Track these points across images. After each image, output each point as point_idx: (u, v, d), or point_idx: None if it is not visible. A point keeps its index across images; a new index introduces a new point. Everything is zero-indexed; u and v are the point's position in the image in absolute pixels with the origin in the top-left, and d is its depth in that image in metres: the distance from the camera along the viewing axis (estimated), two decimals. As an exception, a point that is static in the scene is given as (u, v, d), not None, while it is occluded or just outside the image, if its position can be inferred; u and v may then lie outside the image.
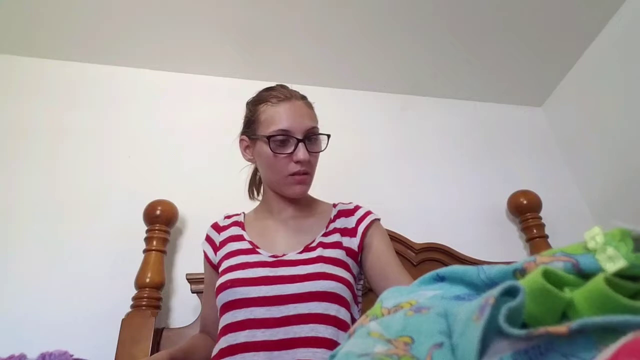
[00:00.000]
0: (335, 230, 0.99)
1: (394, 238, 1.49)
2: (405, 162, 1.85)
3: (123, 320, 1.22)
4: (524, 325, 0.30)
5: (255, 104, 1.02)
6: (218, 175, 1.61)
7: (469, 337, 0.30)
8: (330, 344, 0.82)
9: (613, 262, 0.30)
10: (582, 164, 1.90)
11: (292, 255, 0.94)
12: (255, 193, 1.15)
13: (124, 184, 1.56)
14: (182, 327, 1.30)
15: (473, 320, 0.30)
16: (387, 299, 0.42)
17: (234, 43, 1.74)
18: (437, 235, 1.56)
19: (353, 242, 0.98)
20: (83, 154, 1.59)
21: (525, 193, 1.69)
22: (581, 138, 1.90)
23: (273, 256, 0.95)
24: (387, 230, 1.44)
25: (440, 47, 1.82)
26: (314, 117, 1.01)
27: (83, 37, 1.67)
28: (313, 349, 0.81)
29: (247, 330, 0.84)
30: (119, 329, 1.20)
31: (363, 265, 0.99)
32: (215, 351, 0.88)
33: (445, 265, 1.48)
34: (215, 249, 1.04)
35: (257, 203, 1.14)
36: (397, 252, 1.47)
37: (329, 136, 1.01)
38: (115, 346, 1.17)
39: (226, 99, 1.74)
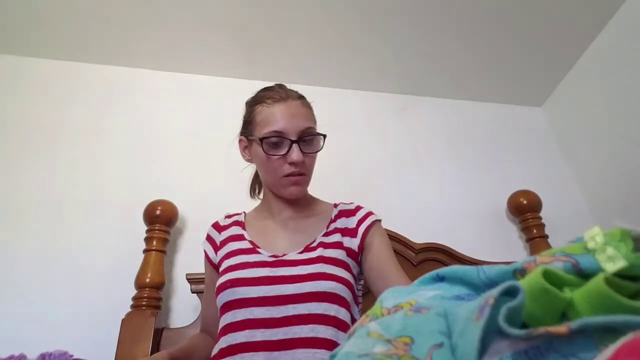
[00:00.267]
0: (336, 231, 0.99)
1: (394, 238, 1.49)
2: (405, 162, 1.85)
3: (123, 320, 1.22)
4: (523, 325, 0.30)
5: (252, 105, 1.02)
6: (218, 175, 1.61)
7: (468, 337, 0.30)
8: (330, 345, 0.82)
9: (613, 262, 0.30)
10: (582, 164, 1.90)
11: (292, 255, 0.94)
12: (257, 192, 1.15)
13: (124, 184, 1.56)
14: (182, 327, 1.30)
15: (473, 320, 0.30)
16: (387, 299, 0.42)
17: (234, 43, 1.74)
18: (437, 235, 1.56)
19: (353, 243, 0.98)
20: (83, 154, 1.59)
21: (525, 193, 1.69)
22: (581, 138, 1.90)
23: (273, 256, 0.95)
24: (387, 230, 1.44)
25: (440, 47, 1.82)
26: (310, 118, 1.00)
27: (83, 37, 1.67)
28: (313, 350, 0.81)
29: (246, 330, 0.84)
30: (119, 329, 1.20)
31: (362, 265, 0.99)
32: (215, 351, 0.88)
33: (445, 265, 1.48)
34: (216, 248, 1.04)
35: (258, 202, 1.14)
36: (397, 252, 1.48)
37: (324, 136, 1.00)
38: (115, 346, 1.17)
39: (226, 99, 1.74)
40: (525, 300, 0.29)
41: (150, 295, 1.27)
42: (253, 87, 1.07)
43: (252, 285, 0.89)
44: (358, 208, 1.05)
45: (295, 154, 0.94)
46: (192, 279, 1.33)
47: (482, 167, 1.90)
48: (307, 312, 0.85)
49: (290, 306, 0.85)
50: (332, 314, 0.86)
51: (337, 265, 0.91)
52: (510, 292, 0.30)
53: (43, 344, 0.95)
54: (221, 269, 0.97)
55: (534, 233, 1.62)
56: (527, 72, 1.96)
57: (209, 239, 1.07)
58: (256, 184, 1.16)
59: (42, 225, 1.44)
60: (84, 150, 1.60)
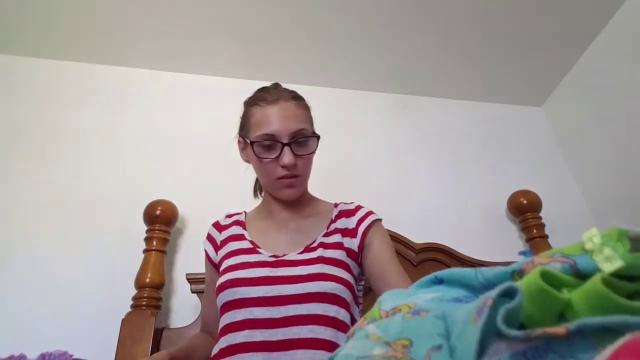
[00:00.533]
0: (336, 231, 0.99)
1: (394, 238, 1.49)
2: (405, 162, 1.85)
3: (123, 320, 1.22)
4: (521, 327, 0.30)
5: (247, 106, 1.02)
6: (218, 175, 1.61)
7: (467, 338, 0.30)
8: (329, 346, 0.82)
9: (610, 262, 0.30)
10: (582, 164, 1.90)
11: (292, 256, 0.94)
12: (260, 191, 1.15)
13: (124, 184, 1.56)
14: (182, 327, 1.30)
15: (471, 321, 0.30)
16: (386, 301, 0.42)
17: (234, 43, 1.74)
18: (437, 235, 1.56)
19: (353, 243, 0.98)
20: (83, 154, 1.59)
21: (525, 193, 1.69)
22: (581, 138, 1.90)
23: (273, 256, 0.95)
24: (387, 230, 1.44)
25: (440, 47, 1.82)
26: (303, 119, 0.98)
27: (82, 37, 1.67)
28: (312, 351, 0.81)
29: (246, 331, 0.84)
30: (119, 329, 1.20)
31: (363, 265, 0.98)
32: (215, 351, 0.88)
33: (446, 265, 1.48)
34: (216, 247, 1.04)
35: (258, 202, 1.14)
36: (397, 252, 1.47)
37: (318, 138, 0.99)
38: (115, 346, 1.17)
39: (226, 99, 1.74)
40: (523, 301, 0.29)
41: (150, 295, 1.27)
42: (253, 87, 1.07)
43: (252, 285, 0.89)
44: (358, 208, 1.05)
45: (287, 157, 0.94)
46: (192, 279, 1.33)
47: (482, 167, 1.90)
48: (306, 312, 0.85)
49: (290, 307, 0.85)
50: (331, 314, 0.86)
51: (337, 266, 0.91)
52: (509, 294, 0.30)
53: (43, 344, 0.95)
54: (221, 268, 0.97)
55: (534, 233, 1.62)
56: (527, 72, 1.96)
57: (210, 238, 1.07)
58: (259, 184, 1.16)
59: (42, 225, 1.44)
60: (84, 150, 1.60)
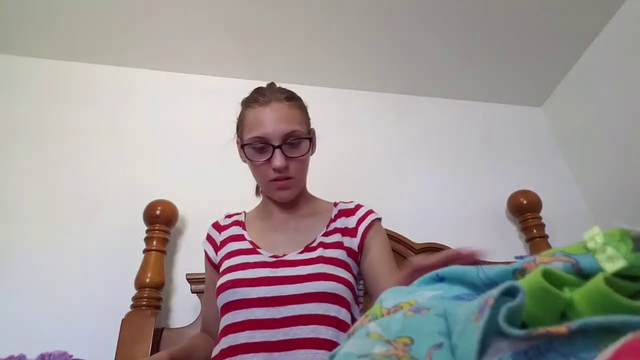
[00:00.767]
0: (336, 230, 0.99)
1: (394, 238, 1.49)
2: (405, 162, 1.85)
3: (123, 320, 1.22)
4: (523, 326, 0.30)
5: (242, 107, 1.02)
6: (218, 175, 1.61)
7: (468, 337, 0.30)
8: (330, 345, 0.82)
9: (613, 262, 0.30)
10: (582, 164, 1.90)
11: (292, 256, 0.94)
12: (260, 191, 1.15)
13: (124, 184, 1.56)
14: (182, 327, 1.30)
15: (472, 320, 0.30)
16: (387, 299, 0.41)
17: (234, 43, 1.74)
18: (437, 235, 1.56)
19: (353, 242, 0.98)
20: (83, 154, 1.59)
21: (525, 193, 1.69)
22: (581, 138, 1.90)
23: (273, 256, 0.95)
24: (387, 230, 1.43)
25: (440, 47, 1.82)
26: (295, 120, 0.96)
27: (81, 37, 1.67)
28: (313, 350, 0.81)
29: (246, 331, 0.84)
30: (119, 329, 1.20)
31: (360, 265, 0.98)
32: (216, 351, 0.88)
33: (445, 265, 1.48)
34: (216, 248, 1.04)
35: (259, 201, 1.14)
36: (397, 252, 1.48)
37: (310, 139, 0.98)
38: (115, 346, 1.17)
39: (226, 99, 1.73)
40: (525, 300, 0.29)
41: (150, 295, 1.27)
42: (253, 87, 1.07)
43: (252, 285, 0.88)
44: (358, 207, 1.05)
45: (277, 159, 0.93)
46: (192, 279, 1.33)
47: (482, 167, 1.90)
48: (307, 312, 0.84)
49: (290, 307, 0.85)
50: (332, 314, 0.86)
51: (337, 266, 0.91)
52: (510, 292, 0.30)
53: (43, 344, 0.95)
54: (221, 269, 0.97)
55: (534, 233, 1.62)
56: (527, 72, 1.96)
57: (209, 238, 1.07)
58: None
59: (42, 225, 1.43)
60: (84, 150, 1.60)
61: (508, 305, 0.29)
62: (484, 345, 0.29)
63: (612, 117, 1.74)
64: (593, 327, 0.26)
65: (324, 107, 1.84)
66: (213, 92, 1.81)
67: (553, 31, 1.78)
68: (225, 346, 0.85)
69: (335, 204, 1.07)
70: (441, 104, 2.04)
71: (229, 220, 1.07)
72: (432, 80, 1.98)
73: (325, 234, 0.98)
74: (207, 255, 1.05)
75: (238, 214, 1.10)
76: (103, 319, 1.29)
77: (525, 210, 1.66)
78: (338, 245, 0.96)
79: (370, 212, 1.03)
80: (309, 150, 0.98)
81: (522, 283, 0.30)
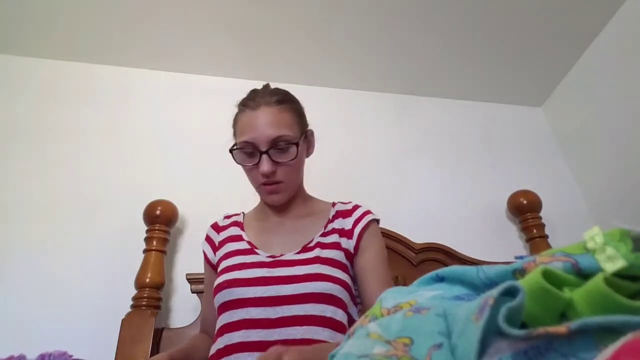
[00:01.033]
0: (333, 231, 0.99)
1: (394, 238, 1.49)
2: (405, 162, 1.85)
3: (123, 320, 1.22)
4: (523, 326, 0.30)
5: (237, 109, 1.01)
6: (218, 175, 1.61)
7: (468, 337, 0.30)
8: (326, 346, 0.82)
9: (612, 262, 0.30)
10: (582, 164, 1.90)
11: (289, 256, 0.94)
12: None
13: (124, 184, 1.56)
14: (182, 327, 1.30)
15: (472, 320, 0.30)
16: (387, 299, 0.42)
17: (234, 43, 1.74)
18: (437, 235, 1.56)
19: (350, 244, 0.97)
20: (83, 154, 1.59)
21: (525, 193, 1.69)
22: (581, 138, 1.90)
23: (271, 256, 0.95)
24: (387, 230, 1.43)
25: (440, 47, 1.82)
26: (285, 124, 0.95)
27: (82, 37, 1.67)
28: (309, 351, 0.81)
29: (242, 331, 0.84)
30: (119, 329, 1.20)
31: (354, 267, 0.97)
32: (212, 351, 0.88)
33: (446, 265, 1.48)
34: (215, 249, 1.04)
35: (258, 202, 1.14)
36: (398, 252, 1.48)
37: (297, 144, 0.96)
38: (115, 346, 1.17)
39: (226, 99, 1.73)
40: (525, 300, 0.29)
41: (150, 295, 1.27)
42: (252, 87, 1.07)
43: (249, 285, 0.88)
44: (355, 207, 1.04)
45: (264, 165, 0.93)
46: (192, 279, 1.33)
47: (482, 167, 1.90)
48: (303, 313, 0.84)
49: (286, 307, 0.85)
50: (328, 315, 0.86)
51: (334, 266, 0.91)
52: (510, 292, 0.30)
53: (43, 344, 0.95)
54: (219, 269, 0.97)
55: (534, 233, 1.62)
56: (527, 72, 1.96)
57: (208, 239, 1.07)
58: None
59: (43, 225, 1.43)
60: (84, 150, 1.60)
61: (508, 305, 0.29)
62: (483, 345, 0.29)
63: (612, 117, 1.74)
64: (593, 327, 0.26)
65: (324, 107, 1.85)
66: (213, 92, 1.81)
67: (553, 31, 1.78)
68: (221, 346, 0.85)
69: (333, 204, 1.07)
70: (441, 104, 2.04)
71: (228, 221, 1.08)
72: (432, 80, 1.98)
73: (323, 235, 0.98)
74: (205, 256, 1.06)
75: (237, 214, 1.10)
76: (103, 319, 1.29)
77: (525, 210, 1.66)
78: (335, 245, 0.96)
79: (367, 213, 1.03)
80: (297, 155, 0.96)
81: (522, 283, 0.30)
